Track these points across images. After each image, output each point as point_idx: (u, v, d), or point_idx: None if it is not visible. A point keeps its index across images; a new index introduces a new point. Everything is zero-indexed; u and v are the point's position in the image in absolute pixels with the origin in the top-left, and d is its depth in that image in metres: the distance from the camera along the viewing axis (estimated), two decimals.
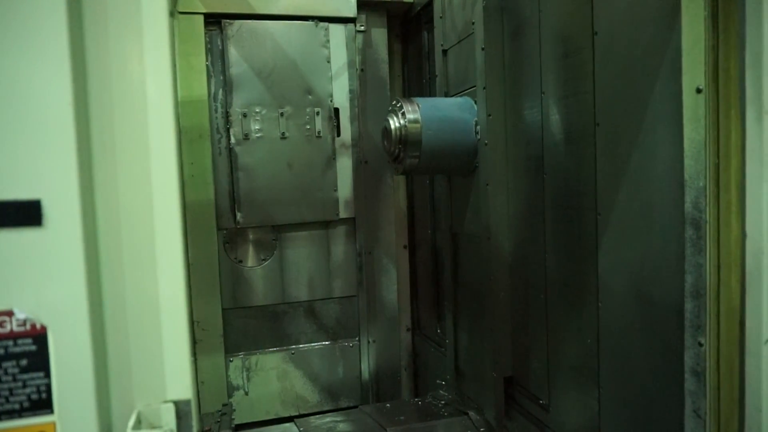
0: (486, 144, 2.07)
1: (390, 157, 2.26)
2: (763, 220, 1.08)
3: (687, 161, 1.20)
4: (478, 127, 2.13)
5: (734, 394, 1.17)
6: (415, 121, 2.12)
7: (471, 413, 2.30)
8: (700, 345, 1.20)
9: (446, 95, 2.47)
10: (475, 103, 2.16)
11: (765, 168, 1.07)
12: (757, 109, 1.08)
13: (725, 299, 1.18)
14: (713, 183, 1.18)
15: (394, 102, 2.22)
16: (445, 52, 2.46)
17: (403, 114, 2.13)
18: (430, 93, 2.82)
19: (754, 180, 1.09)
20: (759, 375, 1.10)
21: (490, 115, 2.05)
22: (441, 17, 2.46)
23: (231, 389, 2.80)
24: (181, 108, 2.59)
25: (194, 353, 2.68)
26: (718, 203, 1.18)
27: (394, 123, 2.16)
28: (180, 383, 0.84)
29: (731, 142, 1.15)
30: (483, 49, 2.04)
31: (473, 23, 2.12)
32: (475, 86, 2.15)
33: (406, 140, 2.12)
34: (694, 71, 1.19)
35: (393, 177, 2.97)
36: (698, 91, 1.18)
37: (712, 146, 1.18)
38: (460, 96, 2.32)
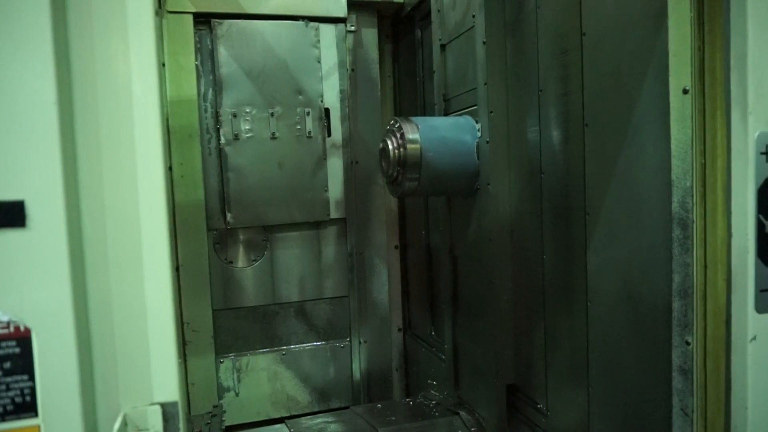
0: (488, 142, 2.01)
1: (388, 179, 2.18)
2: (747, 219, 1.09)
3: (674, 161, 1.21)
4: (480, 144, 2.08)
5: (720, 392, 1.18)
6: (415, 141, 2.04)
7: (462, 413, 2.31)
8: (688, 344, 1.21)
9: (444, 95, 2.41)
10: (477, 122, 2.10)
11: (749, 168, 1.08)
12: (742, 109, 1.09)
13: (712, 298, 1.20)
14: (700, 183, 1.19)
15: (391, 122, 2.15)
16: (443, 47, 2.40)
17: (402, 135, 2.05)
18: (424, 92, 2.82)
19: (739, 180, 1.10)
20: (744, 373, 1.11)
21: (492, 112, 2.00)
22: (439, 11, 2.40)
23: (221, 391, 2.78)
24: (170, 108, 2.57)
25: (184, 355, 2.66)
26: (704, 203, 1.19)
27: (392, 144, 2.08)
28: (167, 385, 0.83)
29: (717, 142, 1.17)
30: (484, 42, 1.99)
31: (474, 16, 2.06)
32: (476, 105, 2.10)
33: (405, 162, 2.04)
34: (680, 72, 1.20)
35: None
36: (685, 92, 1.20)
37: (699, 146, 1.19)
38: (461, 112, 2.26)
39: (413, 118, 2.12)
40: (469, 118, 2.17)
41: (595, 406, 1.57)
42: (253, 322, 2.85)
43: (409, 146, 2.05)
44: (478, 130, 2.09)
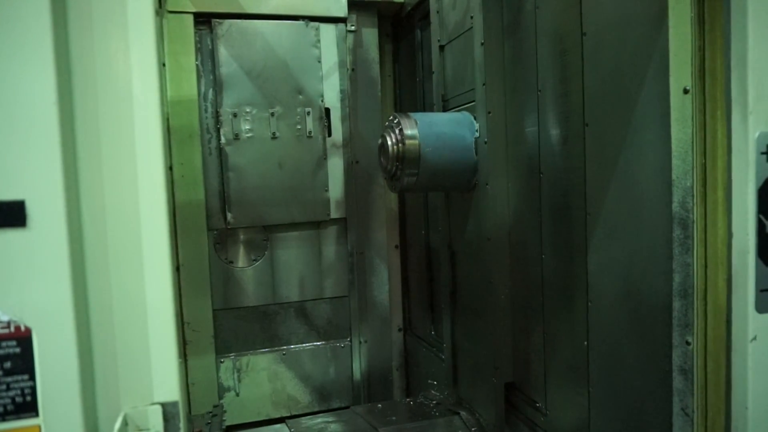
0: (486, 143, 2.02)
1: (387, 174, 2.19)
2: (748, 219, 1.09)
3: (674, 161, 1.21)
4: (478, 144, 2.08)
5: (721, 392, 1.18)
6: (413, 137, 2.05)
7: (462, 413, 2.31)
8: (688, 344, 1.21)
9: (443, 95, 2.42)
10: (475, 119, 2.11)
11: (750, 168, 1.08)
12: (743, 109, 1.09)
13: (712, 298, 1.19)
14: (700, 183, 1.19)
15: (390, 118, 2.16)
16: (442, 48, 2.41)
17: (401, 130, 2.07)
18: (424, 92, 2.82)
19: (740, 179, 1.10)
20: (745, 373, 1.11)
21: (490, 113, 2.01)
22: (438, 12, 2.41)
23: (222, 390, 2.78)
24: (170, 108, 2.57)
25: (184, 354, 2.67)
26: (705, 203, 1.19)
27: (391, 139, 2.09)
28: (167, 385, 0.83)
29: (717, 142, 1.17)
30: (482, 44, 2.00)
31: (472, 17, 2.07)
32: (474, 101, 2.11)
33: (404, 157, 2.06)
34: (681, 72, 1.20)
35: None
36: (685, 91, 1.20)
37: (699, 146, 1.19)
38: (459, 109, 2.27)
39: (412, 114, 2.13)
40: (467, 114, 2.18)
41: (595, 405, 1.57)
42: (254, 322, 2.85)
43: (407, 142, 2.06)
44: (476, 129, 2.10)
